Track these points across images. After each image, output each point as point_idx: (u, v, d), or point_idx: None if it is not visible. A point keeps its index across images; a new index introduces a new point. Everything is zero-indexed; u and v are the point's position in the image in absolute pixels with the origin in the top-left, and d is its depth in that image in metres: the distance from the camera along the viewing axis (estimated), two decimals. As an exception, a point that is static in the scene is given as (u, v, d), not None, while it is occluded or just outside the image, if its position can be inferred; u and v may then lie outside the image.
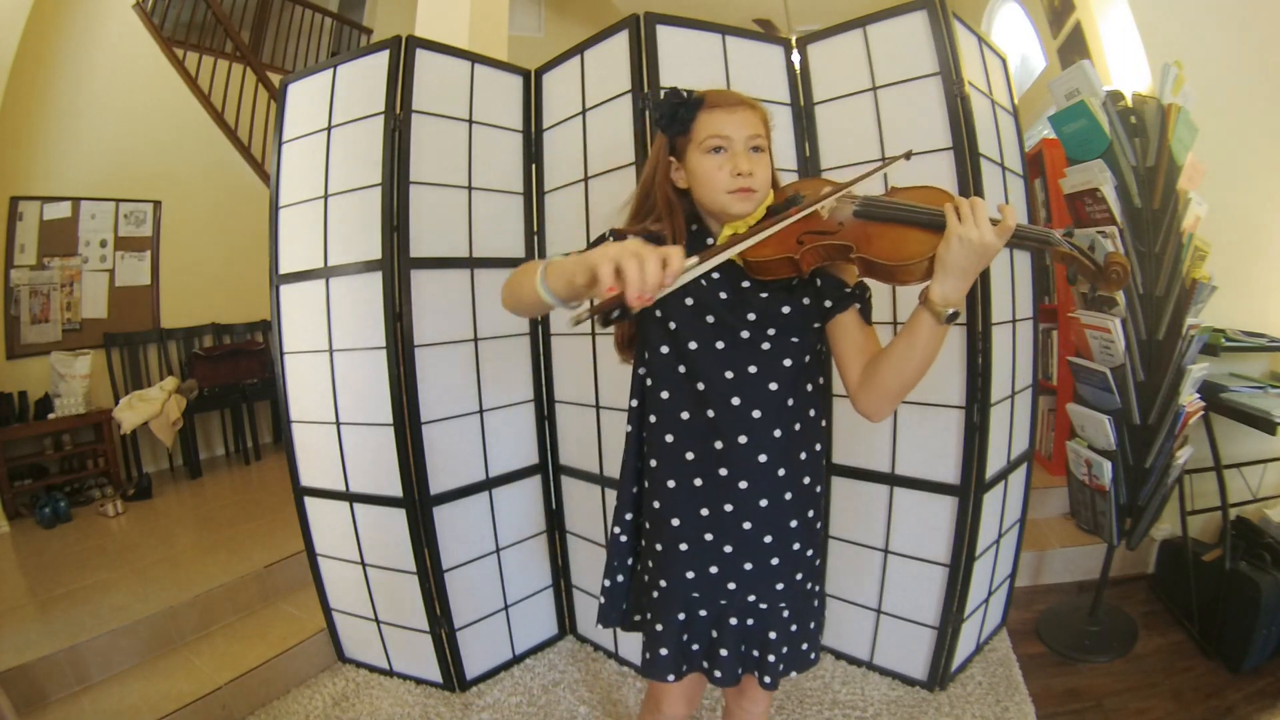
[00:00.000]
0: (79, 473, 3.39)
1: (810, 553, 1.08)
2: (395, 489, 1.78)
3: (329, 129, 1.81)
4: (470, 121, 1.84)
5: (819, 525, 1.10)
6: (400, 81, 1.72)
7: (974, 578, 1.75)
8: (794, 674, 1.07)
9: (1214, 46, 2.18)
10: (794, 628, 1.07)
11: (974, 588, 1.77)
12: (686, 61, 1.70)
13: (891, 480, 1.77)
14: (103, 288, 3.79)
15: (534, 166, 1.97)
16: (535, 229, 1.97)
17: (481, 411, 1.89)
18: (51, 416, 3.32)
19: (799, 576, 1.06)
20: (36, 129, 3.47)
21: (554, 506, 2.08)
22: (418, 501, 1.78)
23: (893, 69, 1.66)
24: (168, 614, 2.03)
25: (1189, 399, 1.81)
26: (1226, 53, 2.19)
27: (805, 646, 1.08)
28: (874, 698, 1.80)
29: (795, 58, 1.80)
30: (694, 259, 0.78)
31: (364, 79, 1.76)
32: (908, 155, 1.07)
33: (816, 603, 1.12)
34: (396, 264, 1.71)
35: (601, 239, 1.06)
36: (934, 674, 1.80)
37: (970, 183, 1.58)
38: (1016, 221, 0.82)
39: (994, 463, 1.73)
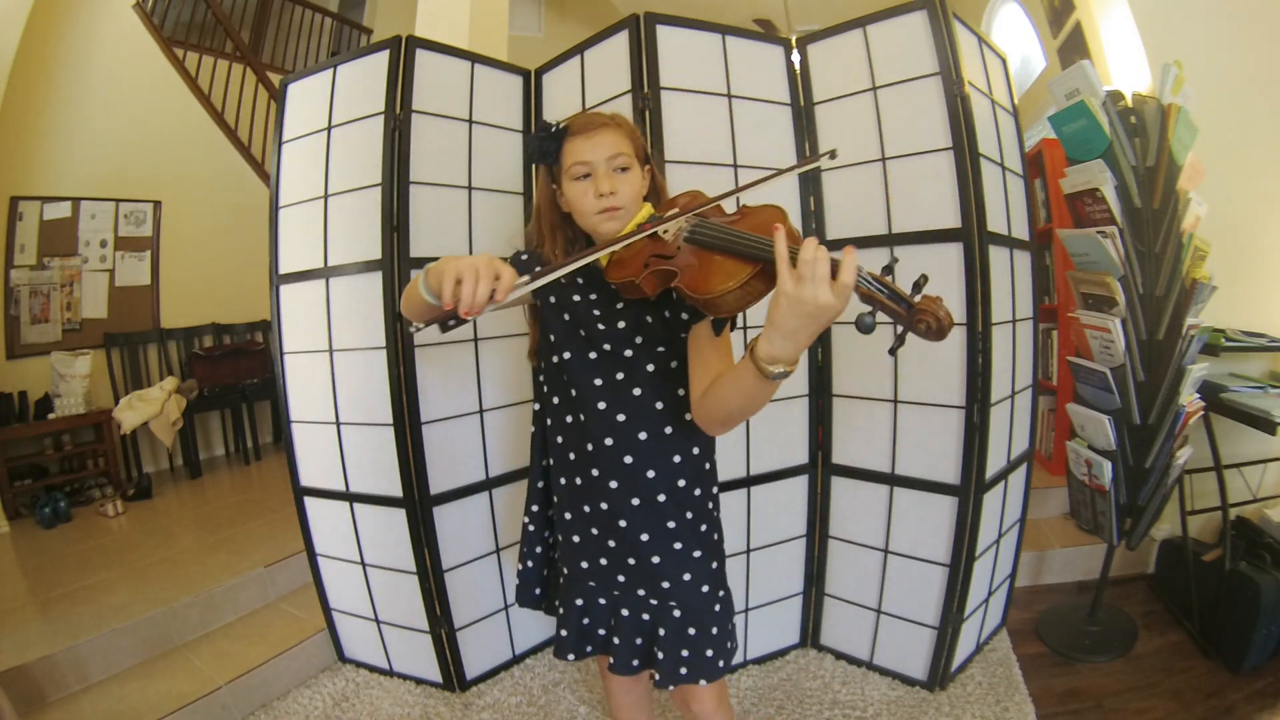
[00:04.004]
0: (79, 473, 3.38)
1: (699, 554, 1.10)
2: (395, 489, 1.78)
3: (329, 129, 1.81)
4: (470, 121, 1.84)
5: (704, 528, 1.12)
6: (400, 81, 1.72)
7: (974, 578, 1.75)
8: (703, 682, 1.08)
9: (1214, 46, 2.18)
10: (691, 631, 1.09)
11: (974, 588, 1.77)
12: (686, 61, 1.70)
13: (891, 480, 1.77)
14: (103, 288, 3.79)
15: (534, 166, 1.97)
16: (535, 229, 1.97)
17: (481, 411, 1.89)
18: (51, 416, 3.32)
19: (687, 578, 1.09)
20: (36, 129, 3.47)
21: (554, 506, 2.07)
22: (418, 501, 1.78)
23: (893, 69, 1.66)
24: (168, 614, 2.03)
25: (1189, 399, 1.81)
26: (1226, 53, 2.19)
27: (711, 654, 1.09)
28: (874, 698, 1.80)
29: (795, 58, 1.80)
30: (525, 277, 0.85)
31: (364, 79, 1.76)
32: (832, 154, 1.03)
33: (719, 608, 1.11)
34: (396, 264, 1.71)
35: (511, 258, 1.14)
36: (934, 674, 1.80)
37: (970, 182, 1.58)
38: (855, 276, 0.70)
39: (994, 463, 1.73)
